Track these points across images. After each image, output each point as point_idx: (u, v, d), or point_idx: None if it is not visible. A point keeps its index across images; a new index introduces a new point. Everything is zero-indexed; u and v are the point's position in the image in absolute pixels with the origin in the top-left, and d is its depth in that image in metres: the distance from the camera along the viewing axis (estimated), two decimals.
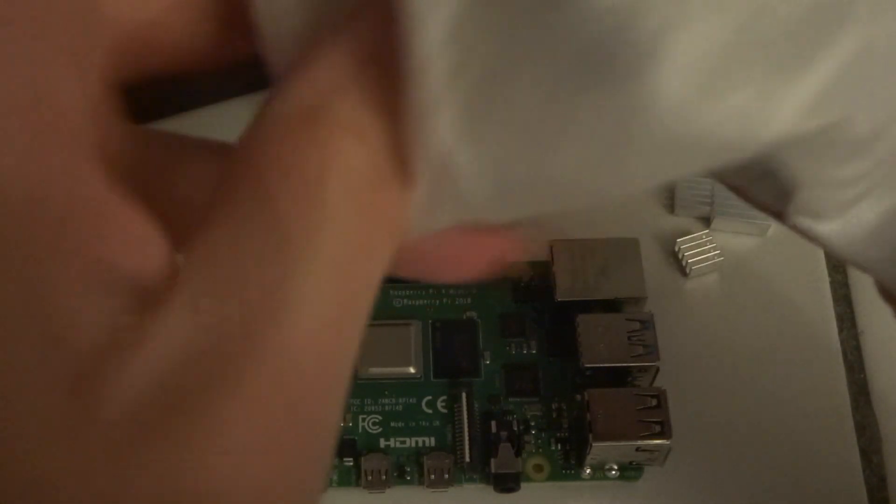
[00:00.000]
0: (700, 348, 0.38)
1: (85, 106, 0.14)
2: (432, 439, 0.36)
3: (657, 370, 0.35)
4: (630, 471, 0.36)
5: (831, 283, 0.40)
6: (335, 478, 0.35)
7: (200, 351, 0.13)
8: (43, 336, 0.13)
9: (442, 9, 0.13)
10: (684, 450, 0.35)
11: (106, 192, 0.14)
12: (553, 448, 0.36)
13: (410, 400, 0.37)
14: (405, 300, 0.38)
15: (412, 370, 0.37)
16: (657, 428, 0.33)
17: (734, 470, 0.36)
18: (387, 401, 0.37)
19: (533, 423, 0.36)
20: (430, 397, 0.37)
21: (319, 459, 0.14)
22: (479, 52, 0.13)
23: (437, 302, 0.38)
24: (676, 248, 0.39)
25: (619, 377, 0.36)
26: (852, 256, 0.19)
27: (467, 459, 0.35)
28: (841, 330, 0.39)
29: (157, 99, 0.17)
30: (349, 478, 0.35)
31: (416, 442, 0.36)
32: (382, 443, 0.36)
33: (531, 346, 0.38)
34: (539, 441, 0.36)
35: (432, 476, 0.35)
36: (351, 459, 0.35)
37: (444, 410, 0.36)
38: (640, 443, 0.34)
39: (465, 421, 0.36)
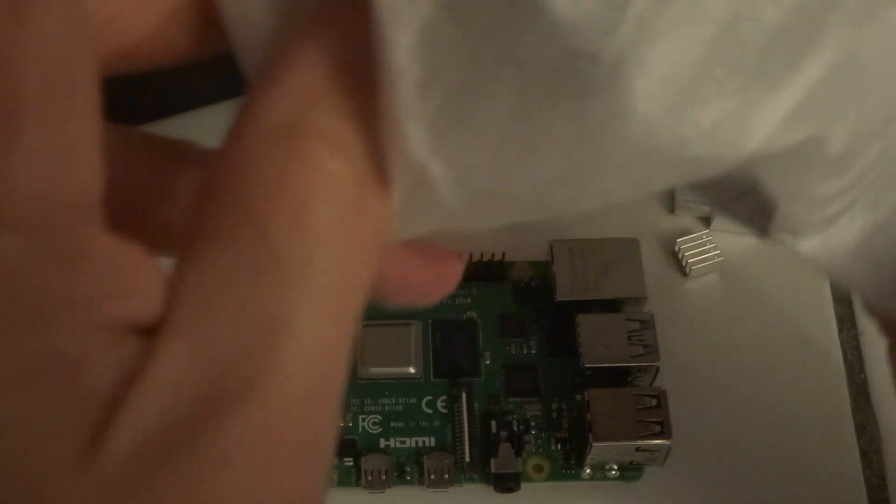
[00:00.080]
0: (700, 348, 0.38)
1: (86, 161, 0.14)
2: (432, 439, 0.36)
3: (657, 370, 0.35)
4: (630, 471, 0.36)
5: (831, 283, 0.40)
6: (335, 478, 0.35)
7: (201, 383, 0.13)
8: (57, 394, 0.13)
9: (412, 19, 0.13)
10: (684, 450, 0.35)
11: (101, 234, 0.14)
12: (553, 448, 0.36)
13: (410, 400, 0.37)
14: None
15: (412, 370, 0.37)
16: (657, 428, 0.33)
17: (734, 470, 0.36)
18: (387, 401, 0.37)
19: (533, 423, 0.36)
20: (430, 397, 0.37)
21: (321, 475, 0.14)
22: (449, 66, 0.13)
23: (438, 302, 0.38)
24: (676, 248, 0.39)
25: (619, 377, 0.36)
26: (835, 271, 0.19)
27: (467, 459, 0.35)
28: (841, 330, 0.39)
29: (153, 100, 0.17)
30: (349, 478, 0.35)
31: (416, 442, 0.36)
32: (382, 443, 0.36)
33: (531, 346, 0.38)
34: (539, 441, 0.36)
35: (432, 476, 0.35)
36: (351, 459, 0.35)
37: (444, 410, 0.36)
38: (640, 443, 0.34)
39: (465, 421, 0.36)
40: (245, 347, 0.13)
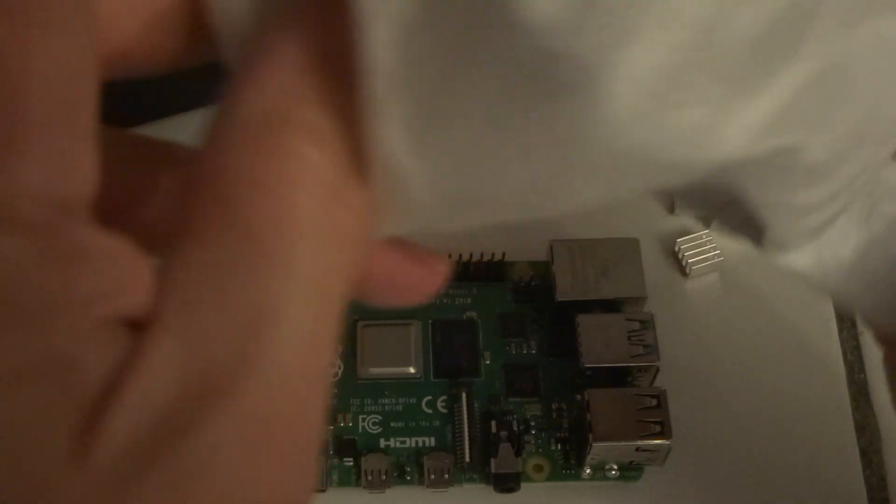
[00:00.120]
0: (700, 348, 0.38)
1: (80, 161, 0.14)
2: (432, 439, 0.36)
3: (657, 370, 0.35)
4: (630, 471, 0.36)
5: None
6: (335, 478, 0.35)
7: (190, 376, 0.13)
8: (53, 392, 0.13)
9: (390, 14, 0.13)
10: (684, 450, 0.35)
11: (96, 232, 0.14)
12: (553, 448, 0.36)
13: (410, 400, 0.37)
14: None
15: (412, 370, 0.37)
16: (657, 428, 0.33)
17: (734, 470, 0.36)
18: (387, 401, 0.37)
19: (533, 423, 0.36)
20: (430, 397, 0.37)
21: (309, 465, 0.15)
22: (424, 65, 0.13)
23: (437, 302, 0.38)
24: (676, 248, 0.39)
25: (619, 377, 0.36)
26: (830, 288, 0.19)
27: (467, 459, 0.35)
28: (841, 330, 0.39)
29: (149, 102, 0.17)
30: (349, 478, 0.35)
31: (416, 442, 0.36)
32: (382, 443, 0.36)
33: (531, 346, 0.38)
34: (539, 441, 0.36)
35: (432, 476, 0.35)
36: (351, 459, 0.35)
37: (444, 410, 0.36)
38: (640, 443, 0.34)
39: (465, 421, 0.36)
40: (232, 339, 0.13)
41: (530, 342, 0.38)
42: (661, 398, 0.34)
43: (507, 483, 0.35)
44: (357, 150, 0.14)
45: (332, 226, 0.14)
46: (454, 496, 0.35)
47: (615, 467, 0.35)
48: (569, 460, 0.36)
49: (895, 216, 0.18)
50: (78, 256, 0.13)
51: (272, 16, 0.15)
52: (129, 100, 0.16)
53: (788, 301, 0.39)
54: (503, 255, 0.38)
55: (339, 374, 0.37)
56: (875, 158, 0.16)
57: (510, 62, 0.13)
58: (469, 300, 0.38)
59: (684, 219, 0.40)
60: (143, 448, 0.13)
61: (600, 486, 0.36)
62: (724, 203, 0.17)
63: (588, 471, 0.35)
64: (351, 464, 0.35)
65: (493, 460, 0.35)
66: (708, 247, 0.39)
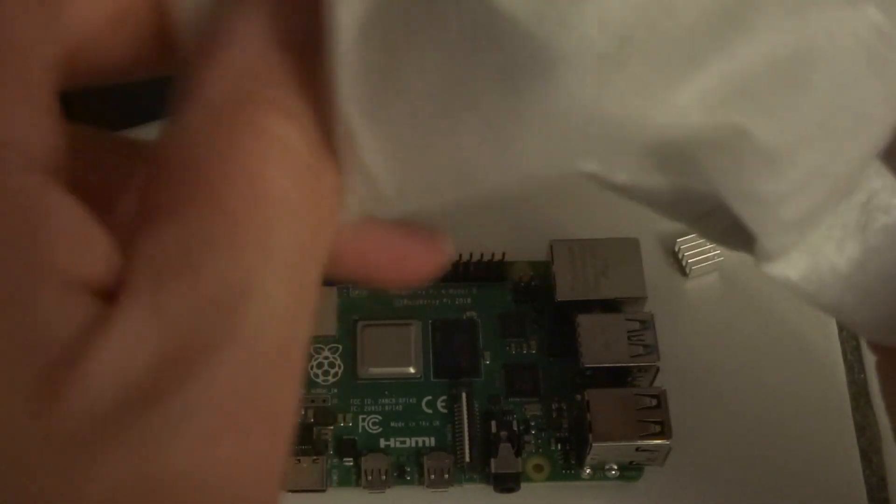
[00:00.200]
0: (700, 348, 0.38)
1: (32, 118, 0.14)
2: (432, 439, 0.36)
3: (657, 370, 0.35)
4: (630, 471, 0.36)
5: None
6: (335, 478, 0.35)
7: (162, 346, 0.13)
8: (13, 338, 0.13)
9: None
10: (684, 450, 0.35)
11: (57, 201, 0.14)
12: (553, 448, 0.36)
13: (410, 400, 0.37)
14: (405, 300, 0.38)
15: (412, 370, 0.37)
16: (657, 428, 0.33)
17: (734, 470, 0.36)
18: (387, 401, 0.37)
19: (533, 423, 0.36)
20: (430, 397, 0.37)
21: (281, 440, 0.15)
22: (383, 23, 0.14)
23: (437, 302, 0.38)
24: (676, 248, 0.39)
25: (619, 377, 0.36)
26: (825, 301, 0.19)
27: (467, 459, 0.35)
28: (841, 330, 0.39)
29: (127, 107, 0.17)
30: (349, 478, 0.35)
31: (416, 442, 0.36)
32: (382, 443, 0.36)
33: (531, 346, 0.38)
34: (539, 441, 0.36)
35: (432, 476, 0.35)
36: (351, 459, 0.35)
37: (444, 410, 0.36)
38: (640, 443, 0.34)
39: (465, 421, 0.36)
40: (205, 312, 0.13)
41: (530, 342, 0.38)
42: (661, 398, 0.34)
43: (507, 483, 0.35)
44: (326, 128, 0.14)
45: (306, 204, 0.14)
46: (454, 496, 0.35)
47: (615, 467, 0.35)
48: (569, 460, 0.36)
49: (889, 228, 0.18)
50: (36, 214, 0.14)
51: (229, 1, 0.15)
52: (124, 101, 0.16)
53: (788, 301, 0.39)
54: (503, 255, 0.38)
55: (339, 374, 0.37)
56: (846, 151, 0.16)
57: (461, 17, 0.13)
58: (469, 300, 0.38)
59: None
60: (108, 413, 0.13)
61: (600, 486, 0.36)
62: (705, 212, 0.17)
63: (588, 471, 0.35)
64: (351, 464, 0.35)
65: (493, 460, 0.35)
66: (708, 247, 0.39)
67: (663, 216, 0.18)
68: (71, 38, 0.15)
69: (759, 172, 0.16)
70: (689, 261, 0.39)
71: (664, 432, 0.33)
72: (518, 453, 0.35)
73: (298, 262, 0.14)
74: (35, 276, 0.13)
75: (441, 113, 0.14)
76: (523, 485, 0.35)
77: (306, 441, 0.36)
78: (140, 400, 0.13)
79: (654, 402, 0.34)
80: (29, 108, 0.14)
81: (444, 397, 0.37)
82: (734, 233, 0.17)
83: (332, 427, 0.36)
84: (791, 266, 0.18)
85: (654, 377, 0.35)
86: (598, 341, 0.35)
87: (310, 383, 0.37)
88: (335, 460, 0.35)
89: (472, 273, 0.38)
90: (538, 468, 0.36)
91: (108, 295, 0.14)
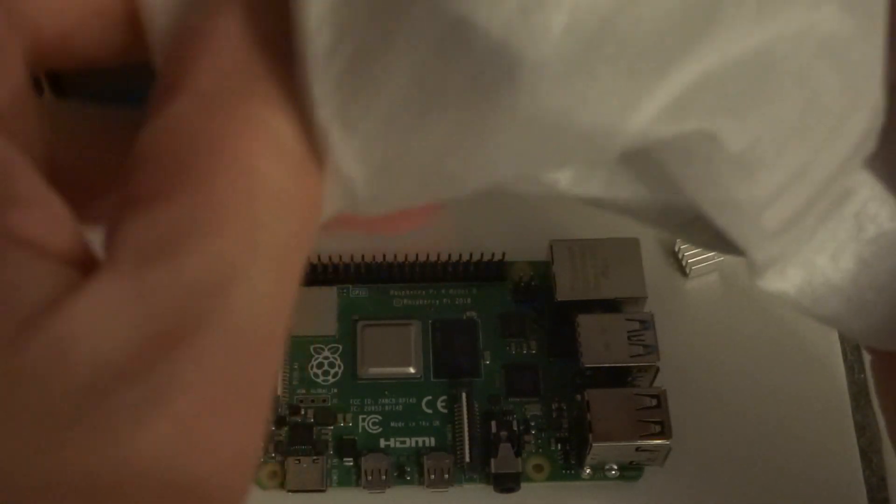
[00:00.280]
0: (700, 348, 0.38)
1: (6, 93, 0.14)
2: (432, 439, 0.36)
3: (657, 370, 0.35)
4: (630, 471, 0.36)
5: None
6: (335, 478, 0.35)
7: (143, 323, 0.13)
8: None
9: None
10: (684, 450, 0.35)
11: (30, 177, 0.14)
12: (553, 448, 0.36)
13: (410, 400, 0.37)
14: (405, 300, 0.38)
15: (412, 370, 0.37)
16: (657, 428, 0.33)
17: (734, 470, 0.36)
18: (387, 401, 0.37)
19: (533, 423, 0.36)
20: (430, 397, 0.37)
21: (257, 428, 0.14)
22: (354, 29, 0.14)
23: (437, 302, 0.38)
24: (676, 248, 0.39)
25: (619, 377, 0.36)
26: (820, 313, 0.19)
27: (467, 459, 0.35)
28: None
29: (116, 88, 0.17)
30: (349, 478, 0.35)
31: (416, 442, 0.36)
32: (382, 443, 0.36)
33: (531, 346, 0.38)
34: (539, 441, 0.36)
35: (432, 476, 0.35)
36: (351, 459, 0.35)
37: (444, 410, 0.36)
38: (640, 443, 0.34)
39: (465, 421, 0.36)
40: (189, 295, 0.13)
41: (530, 342, 0.38)
42: (661, 398, 0.34)
43: (507, 483, 0.35)
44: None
45: (296, 197, 0.14)
46: (454, 496, 0.35)
47: (615, 467, 0.35)
48: (569, 460, 0.36)
49: (878, 239, 0.18)
50: (4, 180, 0.14)
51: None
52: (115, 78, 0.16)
53: None
54: (503, 255, 0.38)
55: (339, 374, 0.37)
56: (822, 153, 0.16)
57: (431, 24, 0.13)
58: (469, 300, 0.38)
59: None
60: (83, 386, 0.13)
61: (600, 486, 0.36)
62: (688, 221, 0.17)
63: (588, 471, 0.35)
64: (351, 464, 0.35)
65: (493, 460, 0.35)
66: None
67: (647, 226, 0.18)
68: (33, 24, 0.15)
69: (733, 179, 0.16)
70: (689, 261, 0.39)
71: (664, 432, 0.33)
72: (518, 453, 0.35)
73: (284, 255, 0.14)
74: (11, 246, 0.13)
75: (414, 121, 0.14)
76: (523, 485, 0.35)
77: (306, 441, 0.36)
78: (116, 376, 0.13)
79: (654, 402, 0.34)
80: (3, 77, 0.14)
81: (444, 397, 0.37)
82: (720, 239, 0.17)
83: (332, 427, 0.36)
84: (786, 280, 0.18)
85: (654, 377, 0.35)
86: (598, 341, 0.35)
87: (310, 383, 0.37)
88: (335, 460, 0.35)
89: (472, 273, 0.38)
90: (538, 468, 0.36)
91: (81, 268, 0.14)
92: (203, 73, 0.14)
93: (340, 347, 0.37)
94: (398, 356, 0.37)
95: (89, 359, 0.13)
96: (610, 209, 0.17)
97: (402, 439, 0.36)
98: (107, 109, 0.17)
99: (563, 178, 0.16)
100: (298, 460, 0.35)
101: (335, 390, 0.37)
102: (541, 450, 0.36)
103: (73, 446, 0.13)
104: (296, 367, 0.37)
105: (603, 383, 0.36)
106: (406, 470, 0.35)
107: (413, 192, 0.15)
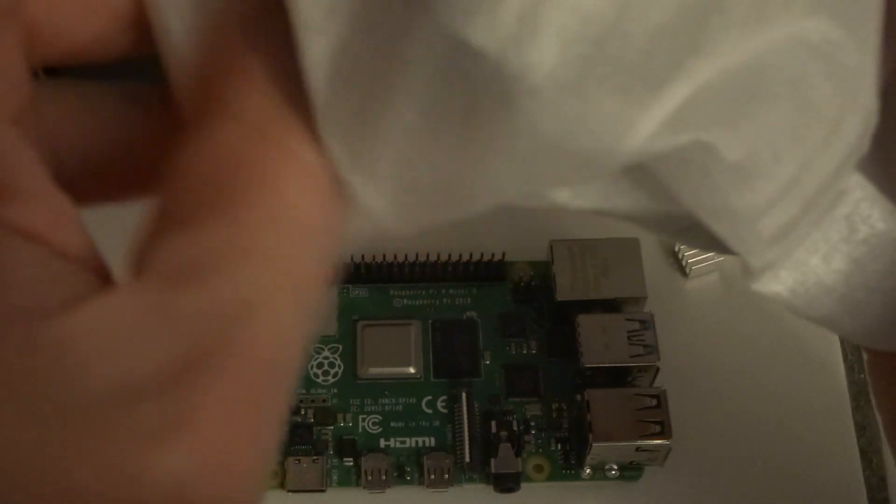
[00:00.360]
0: (700, 348, 0.38)
1: (8, 85, 0.15)
2: (432, 439, 0.36)
3: (657, 370, 0.35)
4: (630, 471, 0.36)
5: None
6: (335, 478, 0.35)
7: (164, 342, 0.13)
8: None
9: (325, 33, 0.14)
10: (684, 450, 0.35)
11: (36, 172, 0.14)
12: (553, 448, 0.36)
13: (410, 400, 0.37)
14: (405, 300, 0.38)
15: (412, 370, 0.37)
16: (657, 428, 0.33)
17: (734, 470, 0.36)
18: (387, 401, 0.37)
19: (533, 423, 0.36)
20: (430, 397, 0.37)
21: (267, 453, 0.15)
22: (356, 78, 0.14)
23: (437, 302, 0.38)
24: (676, 248, 0.39)
25: (619, 377, 0.36)
26: (814, 314, 0.19)
27: (467, 459, 0.35)
28: None
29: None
30: (349, 478, 0.35)
31: (416, 442, 0.36)
32: (382, 443, 0.36)
33: (531, 346, 0.38)
34: (539, 441, 0.36)
35: (432, 476, 0.35)
36: (351, 459, 0.35)
37: (444, 410, 0.36)
38: (640, 443, 0.34)
39: (465, 421, 0.36)
40: (214, 319, 0.13)
41: (530, 342, 0.38)
42: (661, 398, 0.34)
43: (507, 483, 0.35)
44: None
45: (323, 230, 0.15)
46: (454, 496, 0.35)
47: (615, 467, 0.35)
48: (569, 460, 0.36)
49: (870, 240, 0.18)
50: (9, 173, 0.14)
51: (224, 35, 0.15)
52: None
53: None
54: (503, 255, 0.38)
55: (339, 374, 0.37)
56: (817, 161, 0.16)
57: (428, 57, 0.13)
58: (469, 300, 0.38)
59: None
60: (115, 397, 0.13)
61: (600, 486, 0.36)
62: (685, 227, 0.17)
63: (588, 471, 0.35)
64: (351, 464, 0.35)
65: (493, 460, 0.35)
66: None
67: (646, 230, 0.18)
68: (28, 18, 0.15)
69: (731, 188, 0.16)
70: (689, 261, 0.39)
71: (664, 432, 0.33)
72: (518, 453, 0.35)
73: (307, 285, 0.15)
74: (26, 250, 0.13)
75: (422, 150, 0.14)
76: (523, 485, 0.35)
77: (306, 441, 0.36)
78: (136, 392, 0.13)
79: (654, 402, 0.34)
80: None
81: (444, 397, 0.37)
82: (718, 242, 0.17)
83: (332, 427, 0.36)
84: (779, 282, 0.18)
85: (654, 377, 0.35)
86: (598, 341, 0.35)
87: (310, 383, 0.37)
88: (335, 460, 0.35)
89: (472, 273, 0.38)
90: (538, 468, 0.36)
91: (96, 272, 0.14)
92: (248, 101, 0.14)
93: (340, 347, 0.37)
94: (398, 356, 0.37)
95: (106, 370, 0.13)
96: (609, 216, 0.17)
97: (402, 439, 0.36)
98: (101, 84, 0.17)
99: (563, 193, 0.16)
100: (298, 460, 0.35)
101: (335, 390, 0.37)
102: (541, 450, 0.36)
103: (88, 458, 0.13)
104: None
105: (603, 383, 0.36)
106: (406, 470, 0.35)
107: (429, 212, 0.16)
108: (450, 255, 0.38)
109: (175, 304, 0.13)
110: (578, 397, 0.36)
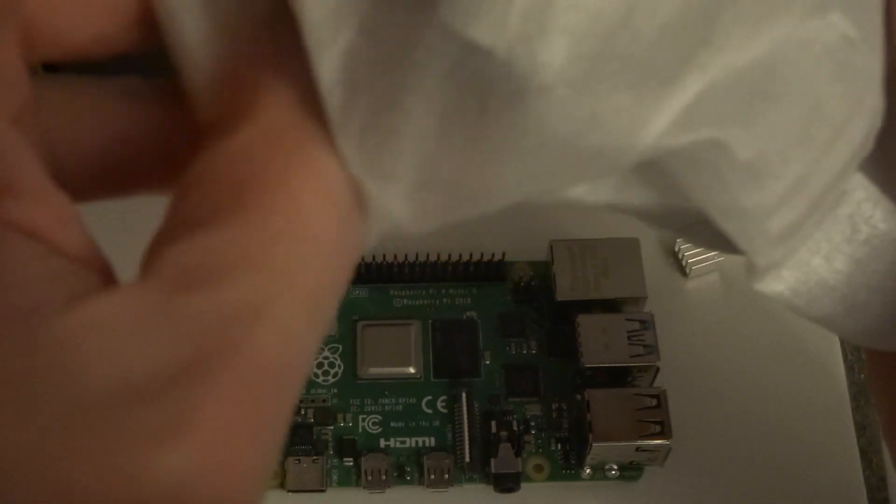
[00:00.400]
0: (700, 348, 0.38)
1: (8, 84, 0.15)
2: (432, 439, 0.36)
3: (657, 370, 0.35)
4: (630, 471, 0.36)
5: None
6: (335, 478, 0.35)
7: (167, 343, 0.13)
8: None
9: (335, 42, 0.14)
10: (684, 450, 0.35)
11: (36, 171, 0.14)
12: (553, 448, 0.36)
13: (410, 400, 0.37)
14: (405, 300, 0.38)
15: (412, 370, 0.37)
16: (657, 428, 0.33)
17: (734, 470, 0.36)
18: (387, 401, 0.37)
19: (533, 423, 0.36)
20: (430, 397, 0.37)
21: (269, 458, 0.15)
22: (366, 85, 0.14)
23: (437, 302, 0.38)
24: (676, 248, 0.39)
25: (619, 377, 0.36)
26: (815, 314, 0.19)
27: (467, 459, 0.35)
28: None
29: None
30: (349, 478, 0.35)
31: (416, 442, 0.36)
32: (382, 443, 0.36)
33: (531, 346, 0.38)
34: (539, 441, 0.36)
35: (432, 476, 0.35)
36: (351, 459, 0.35)
37: (444, 410, 0.36)
38: (640, 443, 0.34)
39: (465, 421, 0.36)
40: (220, 323, 0.13)
41: (530, 342, 0.38)
42: (661, 398, 0.34)
43: (507, 483, 0.35)
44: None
45: (338, 244, 0.15)
46: (454, 496, 0.35)
47: (615, 467, 0.35)
48: (569, 460, 0.36)
49: (871, 240, 0.18)
50: (10, 171, 0.14)
51: (241, 37, 0.15)
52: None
53: None
54: (503, 255, 0.38)
55: (339, 374, 0.37)
56: (824, 161, 0.16)
57: (438, 60, 0.13)
58: (469, 300, 0.38)
59: None
60: (119, 396, 0.13)
61: (600, 486, 0.36)
62: (692, 222, 0.17)
63: (588, 471, 0.35)
64: (351, 464, 0.35)
65: (493, 460, 0.35)
66: None
67: (650, 226, 0.18)
68: (27, 17, 0.15)
69: (741, 186, 0.16)
70: (689, 261, 0.39)
71: (664, 432, 0.33)
72: (518, 453, 0.35)
73: (319, 297, 0.14)
74: (25, 247, 0.13)
75: (438, 152, 0.14)
76: (523, 485, 0.35)
77: (306, 441, 0.36)
78: (138, 393, 0.13)
79: (654, 402, 0.34)
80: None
81: (444, 397, 0.37)
82: (722, 239, 0.17)
83: (332, 427, 0.36)
84: (781, 281, 0.18)
85: (654, 377, 0.35)
86: (598, 341, 0.35)
87: (310, 383, 0.37)
88: (335, 460, 0.35)
89: (472, 273, 0.38)
90: (538, 468, 0.36)
91: (99, 272, 0.14)
92: (270, 108, 0.14)
93: (340, 347, 0.37)
94: (398, 356, 0.37)
95: (107, 370, 0.13)
96: (617, 211, 0.17)
97: (402, 439, 0.36)
98: (100, 80, 0.17)
99: (579, 189, 0.16)
100: (298, 460, 0.35)
101: (335, 390, 0.37)
102: (541, 450, 0.36)
103: (88, 458, 0.13)
104: None
105: (603, 383, 0.36)
106: (406, 470, 0.35)
107: (446, 212, 0.16)
108: (450, 255, 0.38)
109: (178, 305, 0.13)
110: (578, 397, 0.36)
